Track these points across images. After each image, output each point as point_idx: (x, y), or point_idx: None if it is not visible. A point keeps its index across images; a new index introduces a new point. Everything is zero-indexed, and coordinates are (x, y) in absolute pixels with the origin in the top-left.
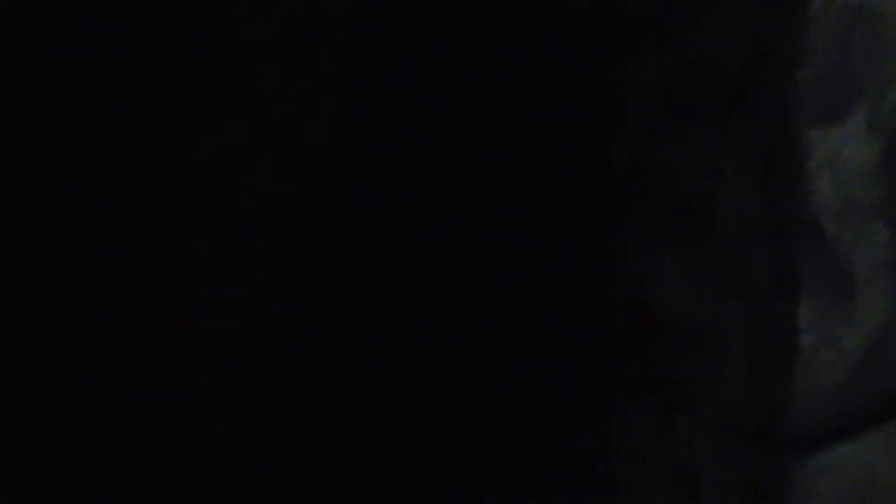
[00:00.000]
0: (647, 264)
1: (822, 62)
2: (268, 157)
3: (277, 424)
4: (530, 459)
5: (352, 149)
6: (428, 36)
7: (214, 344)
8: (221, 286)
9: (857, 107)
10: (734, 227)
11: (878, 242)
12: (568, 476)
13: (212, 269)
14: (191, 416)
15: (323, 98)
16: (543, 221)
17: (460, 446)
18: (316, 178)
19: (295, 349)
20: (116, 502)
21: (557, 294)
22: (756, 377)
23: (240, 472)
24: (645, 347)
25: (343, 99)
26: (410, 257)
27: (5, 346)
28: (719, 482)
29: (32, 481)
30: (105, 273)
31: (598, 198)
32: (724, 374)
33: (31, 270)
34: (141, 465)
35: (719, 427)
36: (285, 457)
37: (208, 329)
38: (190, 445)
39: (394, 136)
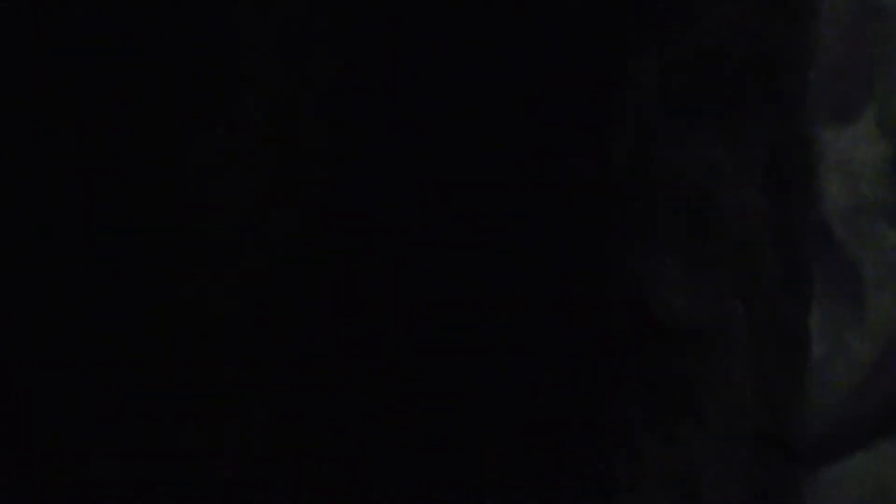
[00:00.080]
0: (647, 265)
1: (829, 62)
2: (267, 156)
3: (277, 424)
4: (530, 460)
5: (351, 148)
6: (427, 35)
7: (213, 344)
8: (221, 286)
9: (866, 107)
10: (738, 229)
11: (887, 246)
12: (568, 476)
13: (211, 269)
14: (190, 415)
15: (322, 97)
16: (543, 221)
17: (460, 446)
18: (314, 178)
19: (294, 349)
20: (116, 502)
21: (556, 293)
22: (764, 384)
23: (240, 472)
24: (645, 348)
25: (342, 98)
26: (409, 257)
27: (5, 346)
28: (723, 488)
29: (32, 481)
30: (102, 273)
31: (598, 198)
32: (729, 379)
33: (27, 270)
34: (141, 465)
35: (723, 433)
36: (285, 457)
37: (207, 329)
38: (190, 445)
39: (393, 136)
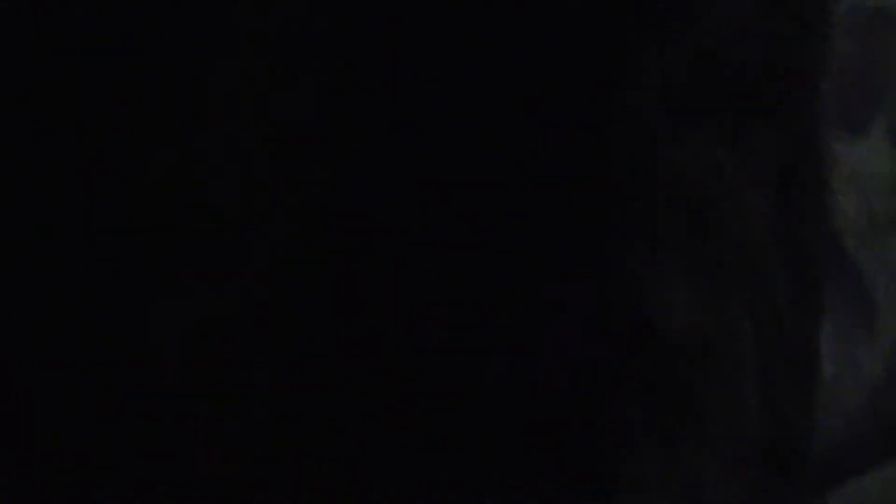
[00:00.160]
0: (648, 272)
1: (839, 71)
2: (267, 156)
3: (277, 424)
4: (530, 463)
5: (351, 148)
6: (427, 35)
7: (213, 344)
8: (220, 286)
9: (878, 118)
10: (744, 240)
11: None
12: (567, 478)
13: (211, 269)
14: (190, 415)
15: (322, 97)
16: (542, 221)
17: (460, 446)
18: (314, 178)
19: (294, 349)
20: (116, 502)
21: (554, 297)
22: (771, 401)
23: (240, 472)
24: (645, 357)
25: (342, 98)
26: (409, 257)
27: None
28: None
29: (33, 481)
30: (102, 273)
31: (597, 198)
32: (734, 395)
33: (26, 270)
34: (141, 465)
35: (727, 449)
36: (285, 457)
37: (207, 329)
38: (190, 445)
39: (393, 135)
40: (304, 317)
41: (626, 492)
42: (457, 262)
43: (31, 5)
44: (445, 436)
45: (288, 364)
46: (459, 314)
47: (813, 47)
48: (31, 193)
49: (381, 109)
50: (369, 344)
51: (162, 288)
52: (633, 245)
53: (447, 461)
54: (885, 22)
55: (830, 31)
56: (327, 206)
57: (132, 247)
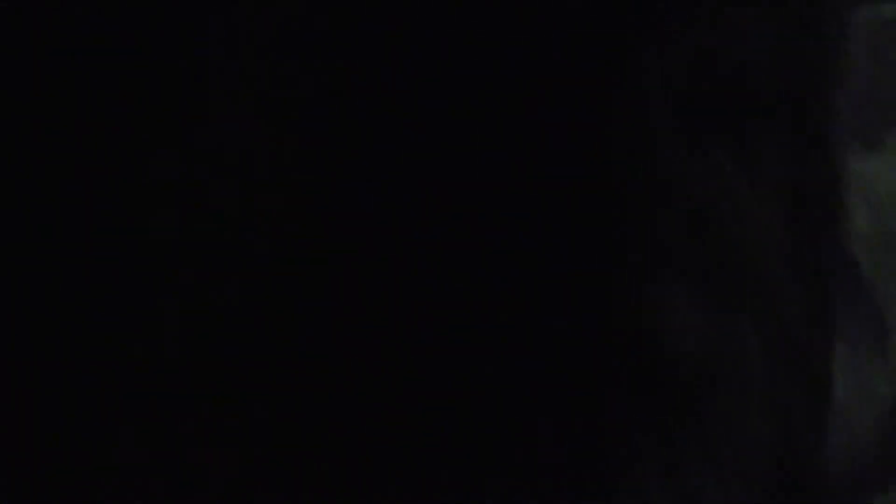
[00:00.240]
0: (649, 276)
1: (855, 83)
2: (266, 156)
3: (277, 424)
4: (530, 463)
5: (351, 148)
6: (427, 36)
7: (213, 343)
8: (220, 286)
9: (893, 132)
10: (754, 255)
11: None
12: (568, 497)
13: (210, 269)
14: (190, 415)
15: (322, 97)
16: (541, 221)
17: (460, 446)
18: (314, 178)
19: (294, 348)
20: (116, 502)
21: (555, 297)
22: (782, 424)
23: (240, 471)
24: (649, 378)
25: (342, 98)
26: (408, 258)
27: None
28: None
29: (33, 481)
30: (101, 273)
31: (598, 199)
32: (743, 418)
33: (26, 270)
34: (141, 464)
35: (735, 472)
36: (285, 457)
37: (207, 328)
38: (190, 445)
39: (393, 136)
40: (305, 316)
41: (625, 493)
42: (457, 262)
43: (31, 5)
44: (445, 436)
45: (288, 363)
46: (459, 314)
47: (825, 55)
48: (32, 193)
49: (381, 109)
50: (369, 343)
51: (162, 287)
52: (633, 246)
53: (447, 461)
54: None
55: (845, 40)
56: (327, 205)
57: (132, 246)
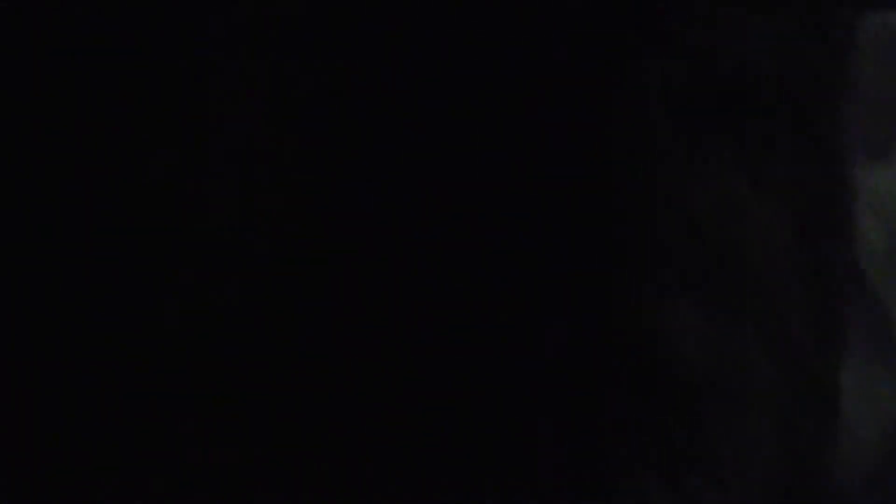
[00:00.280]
0: (649, 278)
1: (865, 93)
2: (266, 156)
3: (277, 424)
4: (530, 463)
5: (351, 148)
6: (428, 36)
7: (213, 343)
8: (220, 285)
9: None
10: (760, 268)
11: None
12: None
13: (210, 269)
14: (190, 415)
15: (323, 97)
16: (540, 221)
17: (460, 446)
18: (314, 178)
19: (294, 348)
20: (116, 502)
21: (554, 298)
22: (790, 439)
23: (240, 472)
24: (653, 396)
25: (342, 98)
26: (409, 258)
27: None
28: None
29: (33, 481)
30: (101, 272)
31: (599, 200)
32: (750, 433)
33: (27, 270)
34: (141, 464)
35: (741, 488)
36: (285, 456)
37: (207, 328)
38: (190, 445)
39: (394, 136)
40: (305, 316)
41: (625, 494)
42: (457, 262)
43: (31, 5)
44: (445, 436)
45: (288, 363)
46: (459, 315)
47: (829, 58)
48: (32, 193)
49: (381, 110)
50: (369, 343)
51: (162, 287)
52: (633, 246)
53: (447, 461)
54: None
55: (850, 46)
56: (327, 205)
57: (133, 246)
